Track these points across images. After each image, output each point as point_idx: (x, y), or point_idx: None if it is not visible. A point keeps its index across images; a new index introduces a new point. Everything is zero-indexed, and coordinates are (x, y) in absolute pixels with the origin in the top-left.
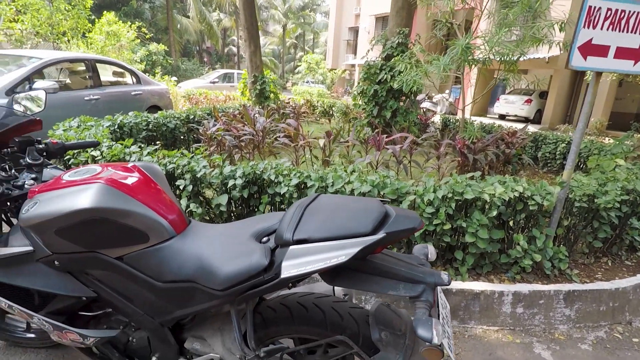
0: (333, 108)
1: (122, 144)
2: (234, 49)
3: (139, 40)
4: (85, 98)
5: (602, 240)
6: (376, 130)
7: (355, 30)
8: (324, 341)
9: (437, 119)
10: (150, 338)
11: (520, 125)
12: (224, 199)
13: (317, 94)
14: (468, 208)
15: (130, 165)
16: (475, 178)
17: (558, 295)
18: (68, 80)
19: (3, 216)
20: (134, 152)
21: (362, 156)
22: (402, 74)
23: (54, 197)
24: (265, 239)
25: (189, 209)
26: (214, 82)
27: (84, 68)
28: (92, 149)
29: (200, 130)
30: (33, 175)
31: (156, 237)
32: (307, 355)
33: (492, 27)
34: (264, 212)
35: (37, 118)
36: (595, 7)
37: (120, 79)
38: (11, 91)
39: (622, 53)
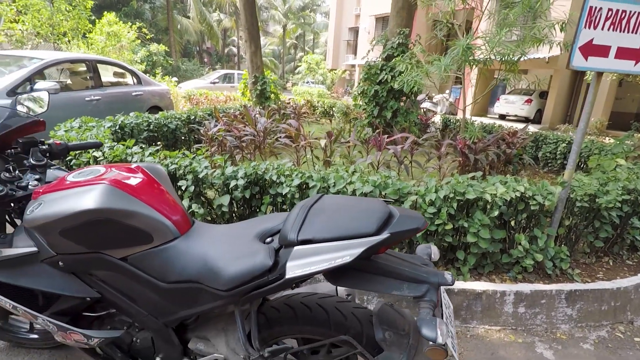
0: (333, 108)
1: (123, 145)
2: (234, 50)
3: (139, 41)
4: (86, 99)
5: (603, 239)
6: (377, 130)
7: (355, 31)
8: (328, 341)
9: (437, 119)
10: (154, 338)
11: (520, 125)
12: (225, 200)
13: (318, 94)
14: (470, 208)
15: (134, 166)
16: (477, 178)
17: (560, 294)
18: (69, 81)
19: (7, 217)
20: (135, 153)
21: (363, 156)
22: (402, 75)
23: (58, 198)
24: (269, 239)
25: (190, 210)
26: (214, 83)
27: (85, 69)
28: (93, 149)
29: (202, 131)
30: (37, 176)
31: (160, 238)
32: (311, 355)
33: (492, 27)
34: (265, 213)
35: (41, 119)
36: (596, 8)
37: (121, 80)
38: (12, 92)
39: (623, 53)
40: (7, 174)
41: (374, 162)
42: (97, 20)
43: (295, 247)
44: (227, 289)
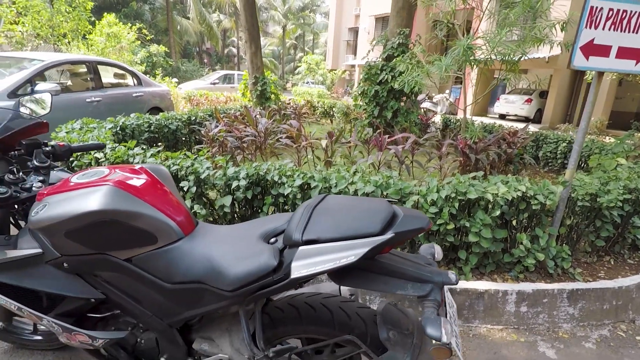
0: (333, 109)
1: (125, 146)
2: (234, 50)
3: (139, 42)
4: (87, 100)
5: (604, 239)
6: (378, 130)
7: (355, 31)
8: (333, 341)
9: (437, 119)
10: (159, 339)
11: (520, 125)
12: (227, 200)
13: (317, 94)
14: (471, 208)
15: (137, 167)
16: (478, 178)
17: (562, 294)
18: (69, 82)
19: (11, 219)
20: (137, 154)
21: (364, 156)
22: (403, 75)
23: (63, 200)
24: (273, 239)
25: (193, 211)
26: (214, 84)
27: (86, 70)
28: (95, 151)
29: (202, 132)
30: (40, 178)
31: (164, 239)
32: (315, 355)
33: (492, 27)
34: (267, 213)
35: (44, 120)
36: (597, 8)
37: (121, 81)
38: (13, 94)
39: (624, 53)
40: (11, 176)
41: (375, 162)
42: (97, 22)
43: (300, 247)
44: (232, 290)
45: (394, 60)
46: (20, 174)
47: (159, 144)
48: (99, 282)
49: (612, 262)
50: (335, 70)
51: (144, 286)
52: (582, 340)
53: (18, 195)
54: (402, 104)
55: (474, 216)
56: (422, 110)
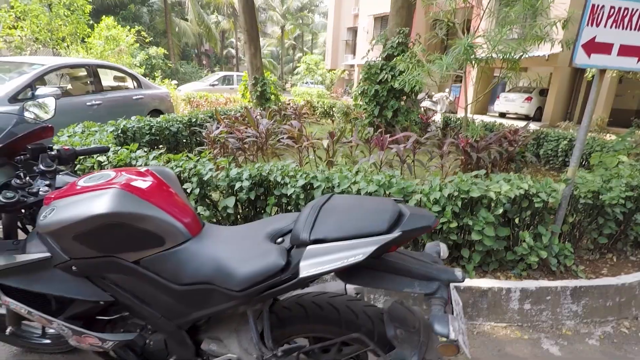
0: (333, 108)
1: (127, 149)
2: (233, 51)
3: (138, 45)
4: (87, 103)
5: (607, 236)
6: (379, 130)
7: (354, 31)
8: (341, 339)
9: (437, 118)
10: (167, 340)
11: (521, 123)
12: (231, 202)
13: (317, 94)
14: (474, 206)
15: (143, 169)
16: (480, 176)
17: (565, 291)
18: (70, 86)
19: (19, 223)
20: (140, 157)
21: (366, 156)
22: (403, 74)
23: (71, 203)
24: (279, 239)
25: (196, 212)
26: (213, 85)
27: (86, 73)
28: (98, 154)
29: (204, 134)
30: (47, 182)
31: (172, 240)
32: (322, 354)
33: (492, 26)
34: (270, 214)
35: (49, 125)
36: (598, 6)
37: (121, 84)
38: (14, 98)
39: (626, 50)
40: (18, 181)
41: (377, 162)
42: (95, 25)
43: (308, 247)
44: (240, 290)
45: (394, 59)
46: (27, 178)
47: (160, 146)
48: (108, 285)
49: (615, 259)
50: (335, 70)
51: (152, 288)
52: (586, 337)
53: (25, 199)
54: (403, 103)
55: (477, 214)
56: (422, 109)
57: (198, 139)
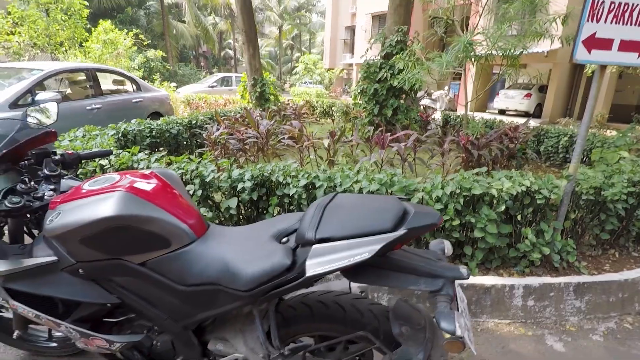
0: (333, 108)
1: (129, 152)
2: (231, 52)
3: (136, 48)
4: (87, 107)
5: (609, 232)
6: (379, 128)
7: (352, 30)
8: (347, 337)
9: (437, 115)
10: (174, 341)
11: (520, 120)
12: (233, 202)
13: (316, 94)
14: (476, 203)
15: (148, 172)
16: (481, 174)
17: (568, 287)
18: (69, 91)
19: (24, 228)
20: (141, 160)
21: (366, 155)
22: (402, 72)
23: (76, 207)
24: (285, 239)
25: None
26: (212, 87)
27: (85, 78)
28: (99, 158)
29: (204, 135)
30: (52, 186)
31: (178, 242)
32: (327, 352)
33: (491, 23)
34: (273, 214)
35: (52, 129)
36: (598, 1)
37: (120, 87)
38: (14, 104)
39: (626, 46)
40: (23, 186)
41: (378, 161)
42: (93, 29)
43: (314, 246)
44: (246, 290)
45: (393, 57)
46: (32, 183)
47: (161, 148)
48: (114, 287)
49: (617, 255)
50: (333, 69)
51: (158, 289)
52: (589, 333)
53: (31, 204)
54: (402, 101)
55: (479, 212)
56: (422, 107)
57: (198, 140)
